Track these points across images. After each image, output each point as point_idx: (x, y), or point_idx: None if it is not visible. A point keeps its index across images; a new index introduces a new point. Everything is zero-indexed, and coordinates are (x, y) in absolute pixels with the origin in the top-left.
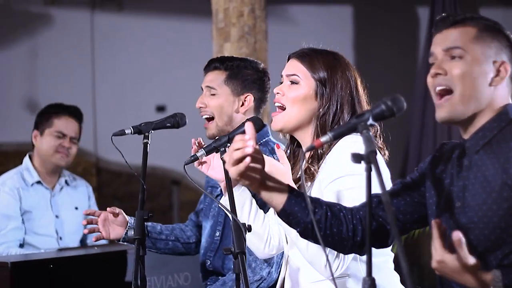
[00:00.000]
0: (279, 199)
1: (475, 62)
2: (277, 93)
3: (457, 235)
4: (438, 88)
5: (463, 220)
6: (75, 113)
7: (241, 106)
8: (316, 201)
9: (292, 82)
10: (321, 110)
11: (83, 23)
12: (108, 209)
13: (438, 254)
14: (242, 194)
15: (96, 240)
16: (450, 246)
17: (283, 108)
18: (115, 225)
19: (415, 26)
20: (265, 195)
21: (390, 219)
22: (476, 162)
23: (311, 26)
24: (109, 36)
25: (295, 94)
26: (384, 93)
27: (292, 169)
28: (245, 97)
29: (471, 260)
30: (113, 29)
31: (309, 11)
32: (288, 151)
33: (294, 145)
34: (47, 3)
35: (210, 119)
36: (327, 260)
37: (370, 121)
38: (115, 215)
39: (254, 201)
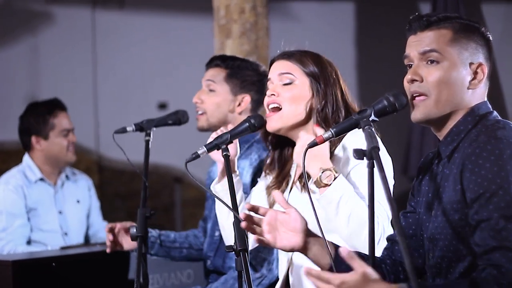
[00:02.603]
0: (325, 260)
1: (452, 67)
2: (271, 94)
3: (345, 250)
4: (414, 95)
5: (432, 231)
6: (61, 106)
7: (238, 106)
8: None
9: (285, 82)
10: (319, 105)
11: (85, 20)
12: (118, 225)
13: (334, 278)
14: (236, 184)
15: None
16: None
17: (279, 109)
18: (128, 237)
19: None
20: (312, 257)
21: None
22: (447, 168)
23: (313, 23)
24: (110, 33)
25: (291, 93)
26: (386, 90)
27: (279, 174)
28: (242, 98)
29: (369, 269)
30: (115, 27)
31: (311, 8)
32: (275, 155)
33: (279, 148)
34: (48, 1)
35: (203, 113)
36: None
37: (372, 117)
38: (126, 230)
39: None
